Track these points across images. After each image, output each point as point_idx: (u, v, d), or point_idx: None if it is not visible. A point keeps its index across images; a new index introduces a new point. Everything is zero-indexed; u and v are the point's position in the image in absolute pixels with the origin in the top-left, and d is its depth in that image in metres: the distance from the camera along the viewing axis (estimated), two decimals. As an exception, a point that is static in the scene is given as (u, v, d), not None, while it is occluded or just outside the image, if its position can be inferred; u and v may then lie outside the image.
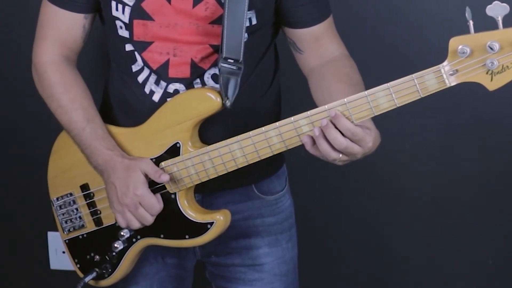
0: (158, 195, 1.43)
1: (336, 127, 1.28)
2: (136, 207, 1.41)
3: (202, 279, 1.67)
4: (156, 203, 1.41)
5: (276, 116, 1.55)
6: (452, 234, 2.06)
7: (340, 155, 1.30)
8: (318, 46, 1.49)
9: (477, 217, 2.04)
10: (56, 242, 2.18)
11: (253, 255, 1.58)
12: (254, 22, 1.44)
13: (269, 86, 1.54)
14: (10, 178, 2.20)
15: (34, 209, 2.15)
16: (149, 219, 1.42)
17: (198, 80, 1.46)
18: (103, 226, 1.55)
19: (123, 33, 1.47)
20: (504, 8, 1.17)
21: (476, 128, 1.98)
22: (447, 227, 2.06)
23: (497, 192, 2.02)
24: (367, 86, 1.30)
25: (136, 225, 1.43)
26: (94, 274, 1.55)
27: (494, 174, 2.01)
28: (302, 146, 1.35)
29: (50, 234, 2.19)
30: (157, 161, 1.45)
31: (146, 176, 1.42)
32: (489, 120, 1.96)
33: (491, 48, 1.18)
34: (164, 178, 1.40)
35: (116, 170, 1.43)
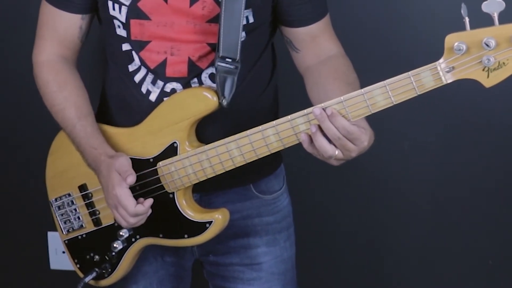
0: (141, 199, 1.41)
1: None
2: (116, 206, 1.40)
3: (199, 278, 1.66)
4: (131, 204, 1.38)
5: (273, 115, 1.54)
6: (452, 234, 2.05)
7: (336, 152, 1.30)
8: (314, 45, 1.49)
9: (477, 217, 2.04)
10: (56, 242, 2.18)
11: (251, 254, 1.58)
12: (251, 20, 1.44)
13: (266, 85, 1.53)
14: (10, 178, 2.20)
15: (34, 209, 2.15)
16: (130, 220, 1.40)
17: (195, 80, 1.46)
18: (102, 226, 1.55)
19: (121, 32, 1.47)
20: (500, 4, 1.17)
21: (475, 128, 1.97)
22: (446, 227, 2.05)
23: (497, 192, 2.02)
24: (364, 84, 1.30)
25: (123, 223, 1.42)
26: (94, 274, 1.54)
27: (494, 174, 2.00)
28: (300, 146, 1.34)
29: (50, 234, 2.19)
30: (155, 160, 1.45)
31: None
32: (488, 120, 1.96)
33: (487, 45, 1.18)
34: (129, 180, 1.38)
35: (101, 169, 1.43)
